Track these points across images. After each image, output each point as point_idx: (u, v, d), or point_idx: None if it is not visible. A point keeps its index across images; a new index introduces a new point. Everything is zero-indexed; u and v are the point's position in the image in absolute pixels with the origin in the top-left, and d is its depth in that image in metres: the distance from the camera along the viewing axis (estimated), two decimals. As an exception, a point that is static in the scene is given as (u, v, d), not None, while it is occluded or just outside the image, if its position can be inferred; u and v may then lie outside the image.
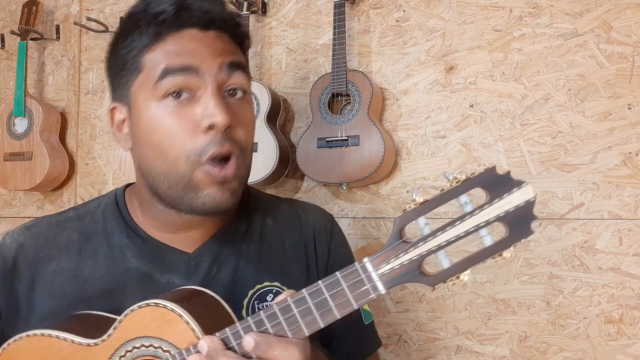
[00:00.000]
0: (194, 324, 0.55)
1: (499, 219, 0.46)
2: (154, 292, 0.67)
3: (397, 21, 1.27)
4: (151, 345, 0.57)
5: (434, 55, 1.23)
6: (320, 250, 0.78)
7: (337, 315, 0.50)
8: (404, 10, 1.27)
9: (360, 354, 0.82)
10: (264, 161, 1.25)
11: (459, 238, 0.47)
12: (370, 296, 0.49)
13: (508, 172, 0.46)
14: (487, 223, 0.46)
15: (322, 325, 0.51)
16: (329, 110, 1.24)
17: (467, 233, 0.47)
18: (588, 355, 1.06)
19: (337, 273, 0.51)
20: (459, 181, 0.47)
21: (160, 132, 0.62)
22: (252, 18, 1.37)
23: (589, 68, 1.09)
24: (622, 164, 1.06)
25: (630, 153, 1.05)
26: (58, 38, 1.66)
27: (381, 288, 0.49)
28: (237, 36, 0.68)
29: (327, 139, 1.21)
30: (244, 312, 0.70)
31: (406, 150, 1.24)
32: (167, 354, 0.56)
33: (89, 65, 1.62)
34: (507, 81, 1.16)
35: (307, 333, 0.52)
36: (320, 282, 0.51)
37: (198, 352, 0.53)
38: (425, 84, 1.23)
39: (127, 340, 0.58)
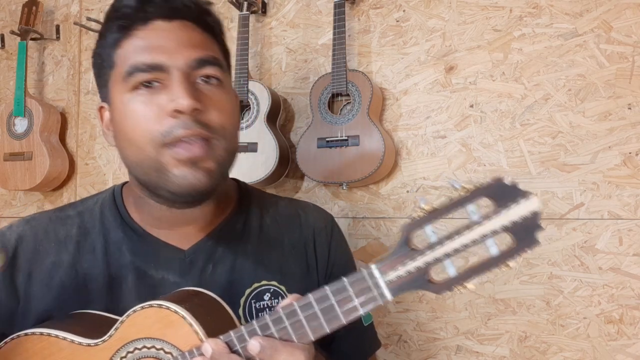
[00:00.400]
0: (197, 326, 0.54)
1: (505, 228, 0.47)
2: (148, 288, 0.67)
3: (397, 21, 1.27)
4: (153, 347, 0.56)
5: (434, 55, 1.23)
6: (320, 250, 0.78)
7: (344, 321, 0.50)
8: (404, 10, 1.27)
9: (360, 355, 0.82)
10: (264, 161, 1.25)
11: (466, 247, 0.47)
12: (377, 303, 0.49)
13: (515, 183, 0.47)
14: (494, 233, 0.47)
15: (328, 331, 0.51)
16: (329, 110, 1.24)
17: (474, 242, 0.47)
18: (588, 355, 1.06)
19: (344, 279, 0.50)
20: (467, 190, 0.47)
21: (131, 120, 0.63)
22: (252, 18, 1.37)
23: (589, 68, 1.09)
24: (622, 164, 1.06)
25: (630, 153, 1.05)
26: (58, 38, 1.66)
27: (388, 295, 0.49)
28: (206, 24, 0.67)
29: (327, 139, 1.21)
30: (241, 311, 0.69)
31: (406, 150, 1.24)
32: (169, 355, 0.56)
33: (89, 65, 1.62)
34: (507, 81, 1.16)
35: (312, 338, 0.52)
36: (327, 287, 0.51)
37: (202, 354, 0.53)
38: (425, 84, 1.23)
39: (128, 341, 0.57)
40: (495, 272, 1.13)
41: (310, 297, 0.51)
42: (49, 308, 0.67)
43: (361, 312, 0.50)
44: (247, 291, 0.70)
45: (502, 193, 0.47)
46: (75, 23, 1.60)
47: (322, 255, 0.78)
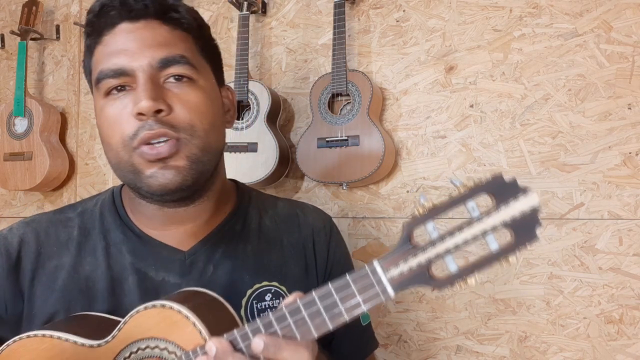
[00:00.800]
0: (200, 326, 0.54)
1: (505, 224, 0.47)
2: (149, 290, 0.67)
3: (397, 21, 1.27)
4: (157, 347, 0.56)
5: (434, 55, 1.23)
6: (320, 251, 0.78)
7: (347, 318, 0.51)
8: (404, 10, 1.27)
9: (358, 355, 0.82)
10: (264, 161, 1.25)
11: (466, 243, 0.48)
12: (380, 299, 0.50)
13: (514, 179, 0.47)
14: (494, 228, 0.47)
15: (331, 328, 0.51)
16: (329, 110, 1.24)
17: (475, 238, 0.48)
18: (588, 355, 1.06)
19: (347, 276, 0.51)
20: (467, 187, 0.48)
21: (106, 125, 0.64)
22: (252, 18, 1.37)
23: (589, 68, 1.09)
24: (622, 164, 1.06)
25: (630, 153, 1.05)
26: (58, 38, 1.66)
27: (391, 291, 0.49)
28: (172, 20, 0.66)
29: (327, 139, 1.21)
30: (242, 312, 0.69)
31: (406, 150, 1.24)
32: (173, 355, 0.56)
33: (89, 65, 1.62)
34: (507, 81, 1.16)
35: (316, 335, 0.52)
36: (329, 284, 0.51)
37: (205, 353, 0.53)
38: (425, 84, 1.23)
39: (132, 342, 0.57)
40: (496, 271, 1.13)
41: (314, 294, 0.51)
42: (53, 311, 0.67)
43: (364, 308, 0.50)
44: (249, 292, 0.70)
45: (502, 189, 0.47)
46: (75, 23, 1.60)
47: (321, 256, 0.78)
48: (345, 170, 1.19)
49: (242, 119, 1.29)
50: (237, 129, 1.29)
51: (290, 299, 0.53)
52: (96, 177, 1.58)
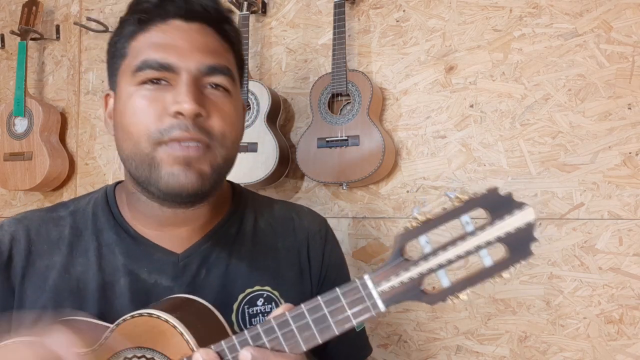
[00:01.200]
0: (188, 336, 0.54)
1: (499, 239, 0.47)
2: (141, 292, 0.66)
3: (397, 21, 1.27)
4: (143, 356, 0.56)
5: (434, 55, 1.23)
6: (314, 255, 0.77)
7: (336, 332, 0.50)
8: (404, 10, 1.27)
9: None
10: (264, 161, 1.25)
11: (459, 258, 0.47)
12: (370, 314, 0.49)
13: (510, 194, 0.47)
14: (488, 243, 0.47)
15: (320, 341, 0.50)
16: (329, 110, 1.24)
17: (468, 253, 0.47)
18: (588, 355, 1.06)
19: (337, 289, 0.50)
20: (461, 201, 0.47)
21: (131, 113, 0.62)
22: (252, 18, 1.37)
23: (589, 68, 1.09)
24: (622, 164, 1.06)
25: (630, 153, 1.05)
26: (58, 38, 1.66)
27: (381, 306, 0.49)
28: (224, 31, 0.67)
29: (327, 139, 1.21)
30: (233, 317, 0.69)
31: (406, 150, 1.24)
32: None
33: (89, 65, 1.62)
34: (507, 81, 1.16)
35: (304, 349, 0.51)
36: (319, 297, 0.51)
37: None
38: (425, 84, 1.23)
39: (118, 351, 0.56)
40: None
41: (303, 307, 0.51)
42: (42, 310, 0.65)
43: (354, 322, 0.49)
44: (240, 296, 0.70)
45: (497, 204, 0.47)
46: (75, 23, 1.60)
47: (316, 260, 0.77)
48: (345, 170, 1.19)
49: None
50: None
51: (279, 310, 0.53)
52: (96, 177, 1.58)
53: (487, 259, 0.47)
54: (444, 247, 0.48)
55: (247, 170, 1.25)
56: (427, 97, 1.23)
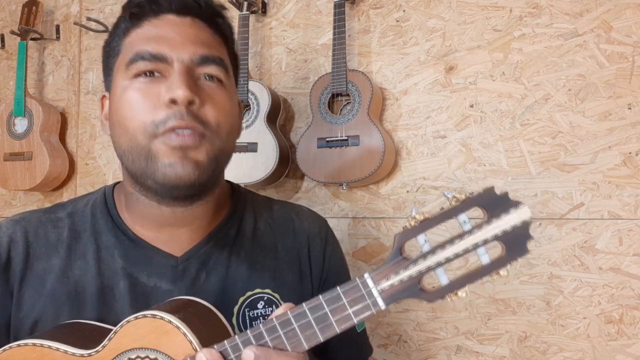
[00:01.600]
0: (191, 336, 0.54)
1: (496, 238, 0.48)
2: (140, 295, 0.66)
3: (397, 21, 1.27)
4: (147, 357, 0.56)
5: (434, 55, 1.23)
6: (315, 257, 0.77)
7: (337, 330, 0.51)
8: (404, 10, 1.27)
9: None
10: (264, 161, 1.25)
11: (457, 256, 0.48)
12: (371, 312, 0.50)
13: (506, 193, 0.48)
14: (485, 242, 0.48)
15: (321, 339, 0.51)
16: (329, 110, 1.24)
17: (466, 251, 0.48)
18: (588, 355, 1.06)
19: (338, 288, 0.51)
20: (458, 200, 0.48)
21: (126, 106, 0.62)
22: (252, 18, 1.37)
23: (589, 68, 1.09)
24: (622, 164, 1.06)
25: (630, 153, 1.05)
26: (58, 38, 1.66)
27: (381, 304, 0.49)
28: (216, 25, 0.68)
29: (327, 139, 1.21)
30: (234, 320, 0.68)
31: (406, 150, 1.24)
32: None
33: (89, 65, 1.62)
34: (507, 81, 1.16)
35: (306, 347, 0.52)
36: (320, 296, 0.51)
37: None
38: (425, 84, 1.23)
39: (122, 352, 0.57)
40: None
41: (304, 306, 0.51)
42: (40, 314, 0.65)
43: (354, 320, 0.50)
44: (241, 300, 0.69)
45: (494, 203, 0.48)
46: (75, 23, 1.60)
47: (317, 261, 0.77)
48: (345, 170, 1.19)
49: (242, 119, 1.29)
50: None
51: (280, 310, 0.53)
52: (96, 177, 1.58)
53: (484, 257, 0.48)
54: (442, 245, 0.48)
55: (247, 170, 1.25)
56: (427, 97, 1.23)
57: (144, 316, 0.56)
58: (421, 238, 0.49)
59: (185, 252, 0.69)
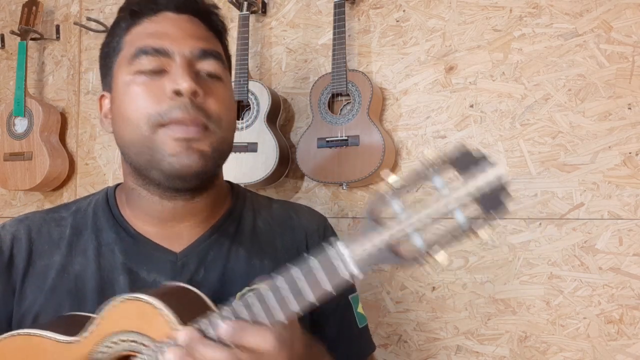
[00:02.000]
0: (171, 315, 0.54)
1: (472, 197, 0.46)
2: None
3: (397, 21, 1.27)
4: (130, 340, 0.56)
5: (434, 55, 1.23)
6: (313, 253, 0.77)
7: (314, 300, 0.50)
8: (404, 10, 1.27)
9: (354, 358, 0.81)
10: (264, 161, 1.25)
11: (433, 219, 0.47)
12: (346, 279, 0.49)
13: (479, 151, 0.46)
14: (461, 203, 0.46)
15: (298, 310, 0.51)
16: (329, 110, 1.24)
17: (442, 214, 0.47)
18: (588, 355, 1.06)
19: (311, 257, 0.51)
20: (432, 163, 0.47)
21: (130, 100, 0.64)
22: (252, 18, 1.37)
23: (589, 68, 1.09)
24: (622, 164, 1.06)
25: (630, 153, 1.05)
26: (58, 38, 1.66)
27: (355, 270, 0.49)
28: (212, 23, 0.71)
29: (327, 139, 1.21)
30: None
31: (406, 150, 1.24)
32: (145, 347, 0.55)
33: (89, 65, 1.62)
34: (507, 81, 1.16)
35: (283, 318, 0.52)
36: (294, 267, 0.51)
37: (177, 344, 0.52)
38: (425, 84, 1.23)
39: (106, 336, 0.57)
40: (496, 271, 1.13)
41: (279, 278, 0.51)
42: (42, 310, 0.66)
43: (330, 288, 0.49)
44: (238, 295, 0.70)
45: (468, 163, 0.46)
46: (75, 23, 1.60)
47: None
48: (345, 170, 1.19)
49: (242, 119, 1.29)
50: (236, 128, 1.29)
51: (256, 285, 0.54)
52: (96, 177, 1.58)
53: (460, 217, 0.46)
54: (416, 209, 0.47)
55: (247, 170, 1.25)
56: (427, 97, 1.23)
57: (127, 299, 0.57)
58: (395, 203, 0.47)
59: (184, 248, 0.70)
